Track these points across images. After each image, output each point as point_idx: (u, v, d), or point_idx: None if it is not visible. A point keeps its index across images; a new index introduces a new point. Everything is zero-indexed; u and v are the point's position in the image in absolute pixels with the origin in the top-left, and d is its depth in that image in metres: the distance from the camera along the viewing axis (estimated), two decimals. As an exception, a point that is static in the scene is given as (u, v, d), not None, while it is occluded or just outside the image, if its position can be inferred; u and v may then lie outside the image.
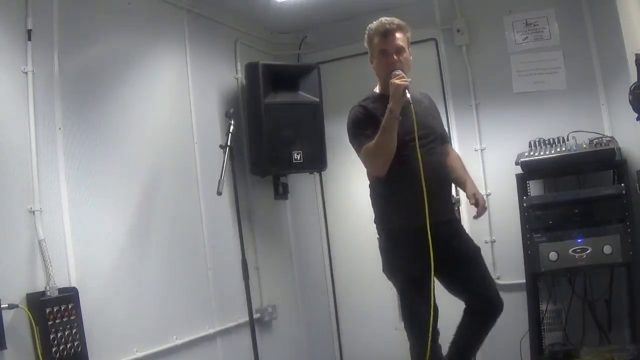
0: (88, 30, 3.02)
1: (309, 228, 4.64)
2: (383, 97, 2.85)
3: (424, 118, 2.86)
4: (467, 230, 4.09)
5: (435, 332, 2.78)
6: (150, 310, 3.12)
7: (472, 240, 3.02)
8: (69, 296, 2.61)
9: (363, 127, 2.86)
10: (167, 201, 3.37)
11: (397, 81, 2.70)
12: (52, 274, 2.58)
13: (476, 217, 2.90)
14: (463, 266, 2.89)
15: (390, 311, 4.10)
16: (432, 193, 2.70)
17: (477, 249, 2.99)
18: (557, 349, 3.60)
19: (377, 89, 3.01)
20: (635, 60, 2.74)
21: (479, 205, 2.85)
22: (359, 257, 4.32)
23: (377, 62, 2.93)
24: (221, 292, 3.64)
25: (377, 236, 2.98)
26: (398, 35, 2.88)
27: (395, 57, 2.85)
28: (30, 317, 2.47)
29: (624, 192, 3.36)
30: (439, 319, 2.78)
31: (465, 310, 2.94)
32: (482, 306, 2.89)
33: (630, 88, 2.73)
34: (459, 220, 3.12)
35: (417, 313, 2.79)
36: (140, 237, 3.14)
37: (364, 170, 2.97)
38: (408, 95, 2.69)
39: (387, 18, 2.94)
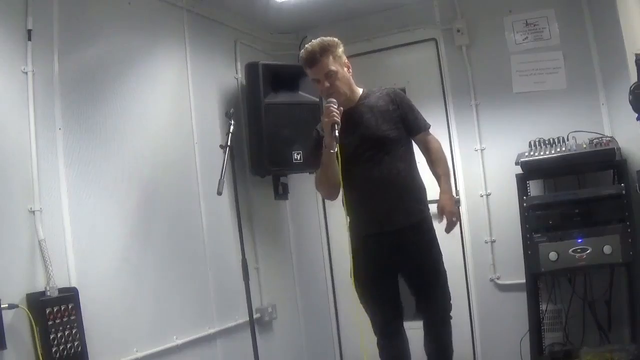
0: (88, 30, 3.01)
1: (309, 228, 4.64)
2: None
3: (369, 128, 2.90)
4: (467, 230, 4.16)
5: (398, 328, 2.99)
6: (150, 310, 3.12)
7: (431, 250, 2.97)
8: (69, 296, 2.62)
9: (314, 153, 2.96)
10: (167, 201, 3.37)
11: (325, 119, 2.76)
12: (52, 274, 2.58)
13: (447, 231, 2.92)
14: (413, 274, 2.97)
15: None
16: (378, 204, 2.85)
17: (431, 260, 2.95)
18: (557, 349, 3.61)
19: None
20: (635, 60, 2.74)
21: (447, 220, 2.89)
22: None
23: (317, 89, 3.02)
24: (221, 292, 3.64)
25: None
26: (324, 60, 2.86)
27: (326, 84, 2.88)
28: (30, 317, 2.47)
29: (624, 192, 3.35)
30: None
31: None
32: (425, 316, 2.99)
33: (630, 88, 2.73)
34: (420, 226, 2.94)
35: (371, 315, 2.99)
36: (140, 237, 3.14)
37: None
38: (336, 132, 2.70)
39: (311, 43, 2.92)
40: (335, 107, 2.77)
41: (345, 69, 2.94)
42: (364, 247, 2.92)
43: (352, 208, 2.92)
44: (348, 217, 2.99)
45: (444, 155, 3.05)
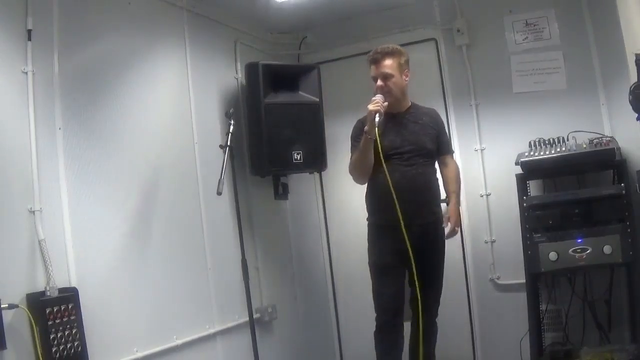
0: (88, 30, 3.01)
1: (309, 228, 4.64)
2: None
3: (413, 135, 3.32)
4: (467, 230, 4.16)
5: (401, 312, 3.27)
6: (150, 310, 3.12)
7: (442, 252, 3.41)
8: (69, 296, 2.62)
9: (355, 139, 3.35)
10: (167, 201, 3.37)
11: (371, 107, 3.13)
12: (52, 274, 2.58)
13: (446, 237, 3.37)
14: (420, 269, 3.16)
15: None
16: (405, 199, 3.10)
17: (439, 262, 3.38)
18: (557, 349, 3.61)
19: None
20: (635, 60, 2.74)
21: (450, 227, 3.34)
22: (358, 257, 4.30)
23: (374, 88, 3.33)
24: (221, 292, 3.64)
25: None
26: (386, 62, 3.27)
27: (381, 82, 3.26)
28: (30, 317, 2.47)
29: (624, 192, 3.35)
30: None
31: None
32: (414, 313, 3.28)
33: (630, 88, 2.73)
34: (438, 227, 3.36)
35: (379, 294, 3.30)
36: (140, 237, 3.14)
37: None
38: (377, 119, 3.09)
39: (382, 46, 3.34)
40: (382, 100, 3.15)
41: (404, 77, 3.34)
42: (388, 235, 3.21)
43: (381, 197, 3.21)
44: (370, 206, 3.37)
45: (460, 178, 3.57)
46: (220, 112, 3.89)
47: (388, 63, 3.27)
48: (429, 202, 3.33)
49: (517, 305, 3.77)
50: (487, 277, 4.10)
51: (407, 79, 3.36)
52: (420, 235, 3.21)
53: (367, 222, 3.42)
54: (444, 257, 3.41)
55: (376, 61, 3.29)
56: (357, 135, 3.33)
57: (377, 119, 3.09)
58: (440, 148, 3.45)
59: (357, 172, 3.34)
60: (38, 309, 2.49)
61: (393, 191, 3.05)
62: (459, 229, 3.52)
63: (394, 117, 3.32)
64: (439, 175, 3.47)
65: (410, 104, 3.44)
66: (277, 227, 4.47)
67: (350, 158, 3.37)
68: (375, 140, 3.13)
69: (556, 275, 3.70)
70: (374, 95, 3.24)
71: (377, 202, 3.31)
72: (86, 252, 2.80)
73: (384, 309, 3.28)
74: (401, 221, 3.02)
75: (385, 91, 3.25)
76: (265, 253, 4.17)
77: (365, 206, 3.44)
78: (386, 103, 3.18)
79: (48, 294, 2.54)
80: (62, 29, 2.85)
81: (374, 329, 3.34)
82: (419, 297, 3.16)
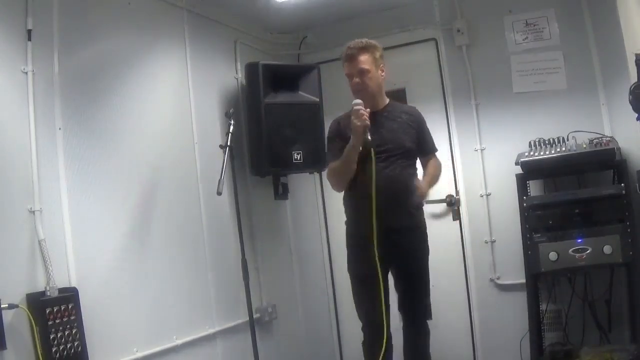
0: (88, 30, 3.01)
1: (309, 228, 4.64)
2: None
3: (391, 133, 3.12)
4: (467, 230, 4.16)
5: (386, 323, 3.04)
6: (150, 310, 3.12)
7: (423, 256, 3.20)
8: (69, 296, 2.61)
9: (332, 142, 3.20)
10: (167, 201, 3.37)
11: (356, 122, 2.94)
12: (52, 274, 2.58)
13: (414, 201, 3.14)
14: (401, 275, 3.13)
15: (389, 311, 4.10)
16: (382, 202, 2.96)
17: (421, 267, 3.17)
18: (557, 349, 3.61)
19: None
20: (635, 60, 2.74)
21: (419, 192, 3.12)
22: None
23: (349, 85, 3.17)
24: (221, 292, 3.64)
25: None
26: (362, 57, 3.08)
27: (357, 79, 3.08)
28: (30, 317, 2.46)
29: (624, 192, 3.36)
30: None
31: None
32: (405, 314, 3.17)
33: (630, 88, 2.73)
34: (417, 230, 3.18)
35: (363, 311, 3.12)
36: (140, 237, 3.14)
37: None
38: (368, 135, 2.94)
39: (355, 41, 3.13)
40: (364, 110, 2.97)
41: (380, 72, 3.15)
42: (362, 244, 3.02)
43: (357, 201, 3.09)
44: (347, 211, 3.21)
45: (439, 172, 3.34)
46: (220, 112, 3.89)
47: (363, 58, 3.07)
48: (407, 204, 3.10)
49: (517, 305, 3.78)
50: (487, 277, 4.10)
51: (383, 74, 3.16)
52: (399, 240, 3.06)
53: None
54: (426, 260, 3.21)
55: (350, 57, 3.10)
56: (334, 137, 3.18)
57: (368, 134, 2.95)
58: (423, 147, 3.25)
59: (337, 181, 3.16)
60: (38, 309, 2.49)
61: (368, 194, 2.94)
62: (423, 201, 3.22)
63: (371, 115, 3.06)
64: (421, 176, 3.29)
65: (387, 101, 3.25)
66: (277, 227, 4.47)
67: (328, 163, 3.20)
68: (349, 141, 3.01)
69: (556, 275, 3.70)
70: (353, 93, 3.10)
71: (353, 208, 3.17)
72: (86, 252, 2.80)
73: (368, 322, 3.10)
74: (374, 230, 2.91)
75: (362, 88, 3.08)
76: (265, 253, 4.17)
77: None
78: (369, 109, 3.00)
79: (48, 294, 2.54)
80: (62, 29, 2.85)
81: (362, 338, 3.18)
82: (405, 303, 3.11)
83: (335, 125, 3.23)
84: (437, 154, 3.37)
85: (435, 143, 3.38)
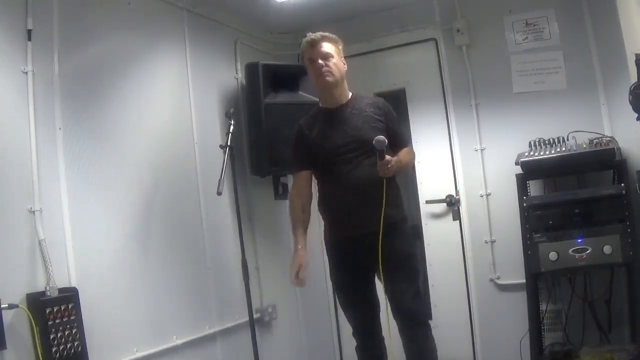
0: (88, 30, 3.01)
1: (308, 228, 4.62)
2: (322, 112, 3.07)
3: (356, 130, 2.94)
4: (467, 230, 4.16)
5: (375, 328, 3.00)
6: (150, 310, 3.12)
7: (406, 255, 2.98)
8: (69, 296, 2.61)
9: (296, 150, 3.10)
10: (167, 201, 3.37)
11: (294, 281, 2.97)
12: (52, 274, 2.58)
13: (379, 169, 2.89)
14: (386, 277, 2.92)
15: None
16: (352, 207, 2.88)
17: (405, 265, 2.95)
18: (557, 349, 3.60)
19: (320, 102, 3.14)
20: (635, 60, 2.74)
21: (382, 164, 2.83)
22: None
23: (310, 74, 3.04)
24: (221, 292, 3.64)
25: None
26: (324, 43, 2.98)
27: (320, 61, 2.95)
28: (30, 317, 2.46)
29: (624, 192, 3.36)
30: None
31: None
32: (397, 317, 2.93)
33: (630, 88, 2.73)
34: (396, 230, 2.93)
35: (350, 318, 3.05)
36: (140, 237, 3.14)
37: None
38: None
39: (317, 32, 3.04)
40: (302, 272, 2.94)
41: (342, 63, 3.02)
42: (340, 250, 3.02)
43: (328, 208, 3.03)
44: (322, 216, 3.10)
45: (411, 157, 3.13)
46: (220, 112, 3.89)
47: (326, 44, 2.97)
48: (380, 206, 2.84)
49: (517, 305, 3.77)
50: (487, 277, 4.10)
51: (345, 66, 3.03)
52: (375, 244, 2.83)
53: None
54: (413, 258, 3.02)
55: (314, 42, 2.98)
56: (297, 146, 3.09)
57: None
58: (394, 141, 2.96)
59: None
60: (38, 309, 2.49)
61: (337, 200, 2.90)
62: (388, 172, 2.85)
63: (333, 113, 3.00)
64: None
65: (350, 95, 3.07)
66: (277, 227, 4.46)
67: (294, 172, 3.13)
68: (315, 142, 2.97)
69: (556, 275, 3.69)
70: (316, 78, 2.99)
71: (325, 215, 3.07)
72: (86, 252, 2.80)
73: (358, 331, 3.04)
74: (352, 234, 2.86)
75: (326, 71, 2.93)
76: (265, 253, 4.17)
77: None
78: (307, 273, 2.96)
79: (48, 294, 2.54)
80: (62, 29, 2.85)
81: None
82: (392, 306, 2.91)
83: (299, 130, 3.10)
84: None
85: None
